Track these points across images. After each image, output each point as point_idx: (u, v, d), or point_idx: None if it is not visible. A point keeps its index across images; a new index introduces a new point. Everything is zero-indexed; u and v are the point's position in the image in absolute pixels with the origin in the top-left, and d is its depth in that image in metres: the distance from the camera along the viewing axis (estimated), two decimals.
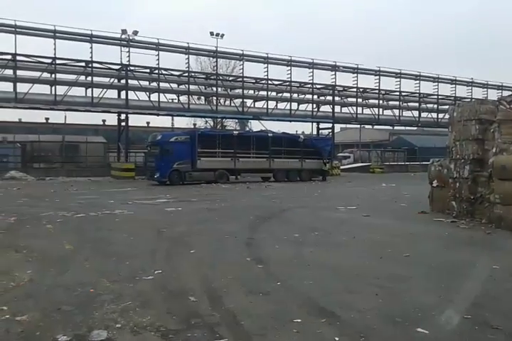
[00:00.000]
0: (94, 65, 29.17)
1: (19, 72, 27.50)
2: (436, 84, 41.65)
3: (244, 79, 34.36)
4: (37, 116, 60.61)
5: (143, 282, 5.37)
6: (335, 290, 5.10)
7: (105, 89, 29.80)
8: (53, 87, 28.21)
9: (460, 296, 4.80)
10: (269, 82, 34.80)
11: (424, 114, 42.58)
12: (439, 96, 42.11)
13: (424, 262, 6.49)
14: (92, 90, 29.13)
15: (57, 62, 28.04)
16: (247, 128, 43.81)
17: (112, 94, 30.72)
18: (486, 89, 44.32)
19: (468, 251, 7.44)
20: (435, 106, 42.31)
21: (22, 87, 27.38)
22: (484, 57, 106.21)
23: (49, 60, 27.88)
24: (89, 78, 29.22)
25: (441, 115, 40.94)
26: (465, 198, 10.73)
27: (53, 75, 28.19)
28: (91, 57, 28.68)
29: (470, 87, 43.56)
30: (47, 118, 44.45)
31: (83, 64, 28.99)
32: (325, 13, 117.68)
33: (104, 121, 44.63)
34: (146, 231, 9.10)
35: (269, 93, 35.23)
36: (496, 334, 3.83)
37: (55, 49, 27.52)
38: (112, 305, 4.52)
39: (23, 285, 5.23)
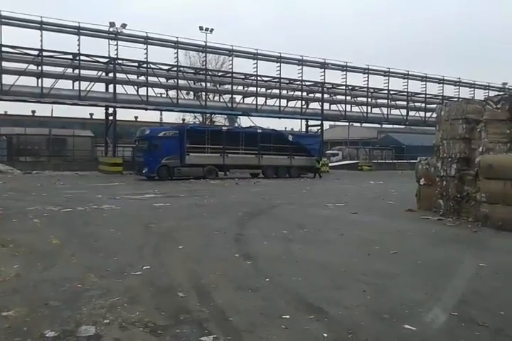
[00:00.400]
0: (82, 57, 28.90)
1: (4, 64, 27.08)
2: (424, 83, 42.01)
3: (234, 74, 34.32)
4: (23, 108, 59.85)
5: (131, 277, 5.34)
6: (323, 287, 5.12)
7: (93, 83, 29.56)
8: (40, 80, 27.89)
9: (447, 293, 4.85)
10: (259, 78, 34.77)
11: (412, 113, 42.94)
12: (427, 95, 42.45)
13: (411, 259, 6.55)
14: (79, 83, 28.85)
15: (44, 54, 27.75)
16: (236, 124, 43.76)
17: (100, 87, 30.53)
18: (472, 89, 44.82)
19: (455, 248, 7.52)
20: (423, 105, 42.66)
21: (7, 79, 27.09)
22: (471, 57, 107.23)
23: (36, 52, 27.56)
24: (76, 71, 28.92)
25: (428, 114, 41.32)
26: (452, 196, 10.85)
27: (40, 67, 27.86)
28: (78, 50, 28.42)
29: (457, 87, 44.00)
30: (33, 111, 43.98)
31: (70, 56, 28.70)
32: (315, 10, 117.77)
33: (91, 114, 44.35)
34: (134, 227, 9.05)
35: (259, 89, 35.21)
36: (482, 331, 3.88)
37: (41, 41, 27.28)
38: (100, 300, 4.48)
39: (9, 280, 5.16)
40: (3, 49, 26.72)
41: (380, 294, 4.88)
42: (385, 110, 41.31)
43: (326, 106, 38.80)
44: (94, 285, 5.00)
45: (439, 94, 42.77)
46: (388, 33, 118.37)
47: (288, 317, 4.10)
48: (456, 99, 35.52)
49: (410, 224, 9.96)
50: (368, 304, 4.52)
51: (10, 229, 8.55)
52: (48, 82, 27.95)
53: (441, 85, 42.97)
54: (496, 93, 35.88)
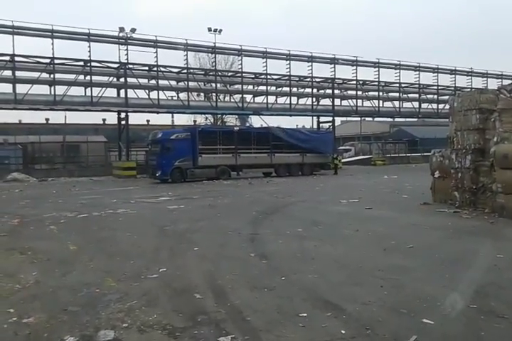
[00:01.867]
0: (93, 63, 29.08)
1: (18, 73, 27.41)
2: (435, 74, 41.47)
3: (243, 74, 34.30)
4: (37, 116, 60.58)
5: (148, 280, 5.38)
6: (340, 283, 5.11)
7: (104, 88, 29.76)
8: (52, 87, 28.16)
9: (465, 286, 4.80)
10: (268, 76, 34.70)
11: (424, 105, 42.43)
12: (439, 87, 41.92)
13: (428, 253, 6.50)
14: (91, 89, 29.07)
15: (56, 62, 27.97)
16: (248, 124, 43.75)
17: (111, 92, 30.70)
18: (485, 79, 44.11)
19: (472, 240, 7.44)
20: (435, 96, 42.14)
21: (21, 88, 27.37)
22: (483, 46, 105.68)
23: (47, 60, 27.82)
24: (88, 77, 29.13)
25: (441, 106, 40.85)
26: (467, 188, 10.72)
27: (52, 75, 28.12)
28: (89, 56, 28.61)
29: (470, 77, 43.35)
30: (47, 119, 44.43)
31: (82, 63, 28.92)
32: (324, 4, 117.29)
33: (104, 120, 44.67)
34: (149, 230, 9.12)
35: (269, 88, 35.14)
36: (502, 323, 3.84)
37: (53, 49, 27.48)
38: (118, 304, 4.53)
39: (28, 287, 5.24)
40: (16, 58, 27.06)
41: (397, 289, 4.86)
42: (396, 103, 40.94)
43: (337, 101, 38.55)
44: (111, 289, 5.06)
45: (452, 85, 42.23)
46: (398, 24, 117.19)
47: (305, 315, 4.11)
48: (469, 90, 35.06)
49: (426, 217, 9.88)
50: (385, 299, 4.49)
51: (28, 236, 8.68)
52: (60, 90, 28.27)
53: (453, 76, 42.42)
54: (510, 81, 35.30)
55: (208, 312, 4.25)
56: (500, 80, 43.29)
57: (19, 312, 4.33)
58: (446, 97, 35.58)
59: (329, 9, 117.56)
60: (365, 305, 4.33)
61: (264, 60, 34.37)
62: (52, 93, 28.05)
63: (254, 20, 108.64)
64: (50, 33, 27.74)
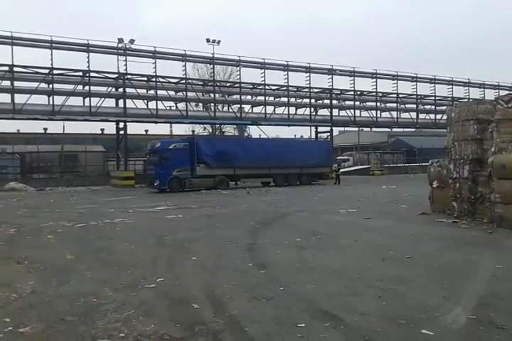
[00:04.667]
0: (92, 74, 29.21)
1: (16, 83, 27.51)
2: (433, 85, 41.76)
3: (242, 84, 34.49)
4: (35, 126, 60.71)
5: (145, 290, 5.35)
6: (338, 294, 5.08)
7: (103, 98, 29.84)
8: (51, 97, 28.23)
9: (464, 296, 4.79)
10: (267, 87, 34.88)
11: (422, 115, 42.62)
12: (437, 97, 42.16)
13: (427, 263, 6.48)
14: (89, 99, 29.16)
15: (55, 72, 28.10)
16: (246, 134, 43.86)
17: (110, 102, 30.82)
18: (482, 89, 44.44)
19: (471, 251, 7.42)
20: (433, 107, 42.35)
21: (20, 98, 27.45)
22: (480, 57, 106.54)
23: (46, 71, 27.95)
24: (86, 87, 29.24)
25: (439, 116, 41.01)
26: (465, 198, 10.73)
27: (51, 85, 28.23)
28: (88, 67, 28.74)
29: (467, 88, 43.66)
30: (45, 129, 44.44)
31: (80, 73, 29.04)
32: (324, 15, 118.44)
33: (102, 130, 44.72)
34: (147, 239, 9.08)
35: (267, 98, 35.28)
36: (502, 334, 3.81)
37: (52, 59, 27.65)
38: (115, 314, 4.50)
39: (25, 297, 5.20)
40: (15, 69, 27.15)
41: (396, 299, 4.83)
42: (394, 114, 41.13)
43: (335, 112, 38.75)
44: (109, 299, 5.02)
45: (449, 96, 42.50)
46: (395, 36, 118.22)
47: (303, 325, 4.08)
48: (466, 100, 35.27)
49: (424, 227, 9.86)
50: (384, 310, 4.47)
51: (25, 245, 8.64)
52: (58, 100, 28.35)
53: (450, 87, 42.72)
54: (507, 92, 35.54)
55: (205, 323, 4.22)
56: (497, 91, 43.60)
57: (15, 322, 4.30)
58: (444, 108, 35.62)
59: (328, 22, 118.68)
60: (363, 316, 4.30)
61: (263, 70, 34.56)
62: (51, 103, 28.12)
63: (253, 32, 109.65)
64: (49, 44, 27.89)
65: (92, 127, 65.40)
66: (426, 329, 3.91)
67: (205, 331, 4.02)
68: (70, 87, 29.02)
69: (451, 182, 11.25)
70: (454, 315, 4.24)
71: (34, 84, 27.93)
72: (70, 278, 6.00)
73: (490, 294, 4.87)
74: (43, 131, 44.34)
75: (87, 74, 28.97)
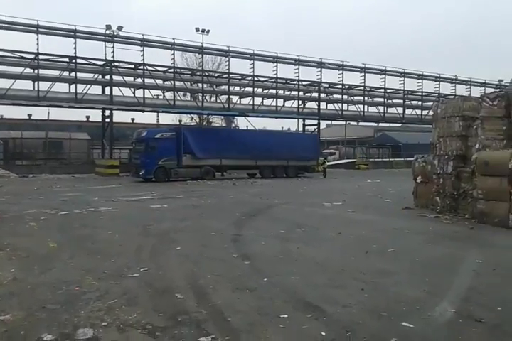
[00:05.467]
0: (78, 60, 28.77)
1: (1, 68, 27.05)
2: (420, 81, 42.00)
3: (230, 75, 34.26)
4: (19, 112, 59.69)
5: (129, 279, 5.33)
6: (321, 286, 5.12)
7: (89, 85, 29.44)
8: (36, 83, 27.77)
9: (444, 290, 4.86)
10: (255, 78, 34.74)
11: (408, 111, 42.90)
12: (424, 93, 42.43)
13: (409, 257, 6.56)
14: (75, 86, 28.75)
15: (40, 57, 27.60)
16: (233, 125, 43.74)
17: (96, 90, 30.42)
18: (469, 86, 44.83)
19: (452, 245, 7.53)
20: (419, 103, 42.65)
21: (3, 83, 26.99)
22: (467, 54, 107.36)
23: (32, 56, 27.44)
24: (72, 74, 28.80)
25: (425, 112, 41.30)
26: (448, 194, 10.87)
27: (36, 71, 27.74)
28: (75, 53, 28.29)
29: (454, 84, 44.01)
30: (29, 115, 43.77)
31: (67, 59, 28.59)
32: (314, 10, 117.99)
33: (88, 117, 44.18)
34: (131, 229, 9.04)
35: (255, 89, 35.17)
36: (480, 327, 3.89)
37: (37, 44, 27.15)
38: (98, 303, 4.48)
39: (6, 284, 5.15)
40: (0, 53, 26.64)
41: (378, 292, 4.89)
42: (381, 108, 41.35)
43: (323, 105, 38.82)
44: (91, 287, 5.00)
45: (436, 92, 42.80)
46: (386, 32, 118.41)
47: (286, 316, 4.11)
48: (452, 97, 35.54)
49: (407, 221, 9.97)
50: (365, 302, 4.52)
51: (7, 232, 8.53)
52: (44, 86, 27.90)
53: (437, 83, 43.02)
54: (492, 90, 35.91)
55: (188, 312, 4.22)
56: (483, 88, 44.10)
57: None
58: (430, 104, 35.71)
59: (318, 17, 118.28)
60: (345, 308, 4.35)
61: (252, 61, 34.40)
62: (36, 89, 27.66)
63: (243, 23, 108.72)
64: (35, 28, 27.36)
65: (78, 114, 64.67)
66: (406, 321, 3.96)
67: (188, 321, 4.02)
68: (56, 72, 28.59)
69: (435, 177, 11.37)
70: (434, 308, 4.31)
71: (19, 69, 27.38)
72: (53, 266, 5.95)
73: (469, 288, 4.95)
74: (27, 117, 43.69)
75: (74, 61, 28.52)
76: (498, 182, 9.05)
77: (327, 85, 38.65)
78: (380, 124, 48.23)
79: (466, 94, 40.16)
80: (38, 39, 27.18)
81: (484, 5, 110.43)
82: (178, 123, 43.82)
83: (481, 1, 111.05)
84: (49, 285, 5.05)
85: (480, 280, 5.31)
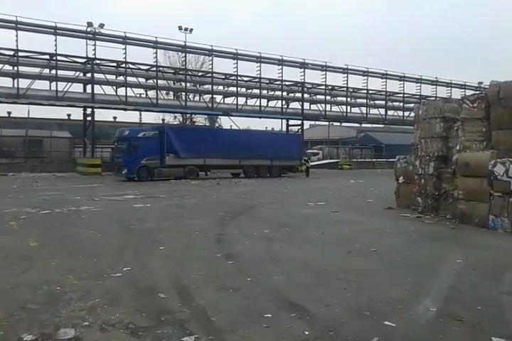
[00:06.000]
0: (59, 58, 28.46)
1: None
2: (402, 82, 42.55)
3: (214, 74, 34.23)
4: None
5: (111, 279, 5.28)
6: (304, 285, 5.14)
7: (70, 83, 29.13)
8: (16, 80, 27.37)
9: (426, 290, 4.92)
10: (239, 78, 34.76)
11: (390, 112, 43.46)
12: (405, 95, 43.00)
13: (391, 257, 6.62)
14: (56, 84, 28.43)
15: (20, 54, 27.24)
16: (217, 125, 43.65)
17: (78, 88, 30.12)
18: (449, 88, 45.56)
19: (434, 245, 7.62)
20: (401, 104, 43.21)
21: None
22: (448, 57, 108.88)
23: (11, 52, 27.04)
24: (53, 71, 28.48)
25: (407, 113, 41.85)
26: (430, 194, 11.01)
27: (15, 68, 27.34)
28: (55, 50, 27.99)
29: (434, 86, 44.69)
30: (9, 112, 43.07)
31: (47, 57, 28.25)
32: (299, 11, 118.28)
33: (69, 115, 43.63)
34: (113, 228, 8.96)
35: (239, 89, 35.19)
36: (460, 326, 3.94)
37: (17, 41, 26.80)
38: (80, 302, 4.42)
39: None
40: None
41: (361, 291, 4.92)
42: (364, 109, 41.78)
43: (306, 105, 39.01)
44: (73, 287, 4.93)
45: (417, 94, 43.41)
46: (366, 33, 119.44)
47: (270, 315, 4.11)
48: (433, 99, 36.04)
49: (389, 221, 10.07)
50: (348, 301, 4.55)
51: None
52: (24, 83, 27.53)
53: (418, 85, 43.65)
54: (473, 92, 36.45)
55: (172, 312, 4.20)
56: (463, 90, 44.82)
57: None
58: (412, 105, 36.45)
59: (304, 16, 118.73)
60: (329, 307, 4.37)
61: (235, 61, 34.40)
62: (15, 86, 27.23)
63: (227, 23, 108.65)
64: (14, 25, 26.96)
65: (59, 112, 63.79)
66: (388, 320, 4.00)
67: (172, 320, 4.00)
68: (36, 70, 28.21)
69: (417, 178, 11.51)
70: (415, 307, 4.36)
71: None
72: (33, 266, 5.86)
73: (450, 287, 5.01)
74: (7, 115, 42.96)
75: (54, 58, 28.21)
76: (478, 182, 9.20)
77: (310, 86, 38.87)
78: (363, 125, 48.75)
79: (446, 96, 40.77)
80: (17, 35, 26.87)
81: (463, 6, 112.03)
82: (161, 122, 43.59)
83: (460, 2, 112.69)
84: (29, 285, 4.97)
85: (461, 280, 5.38)
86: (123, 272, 5.56)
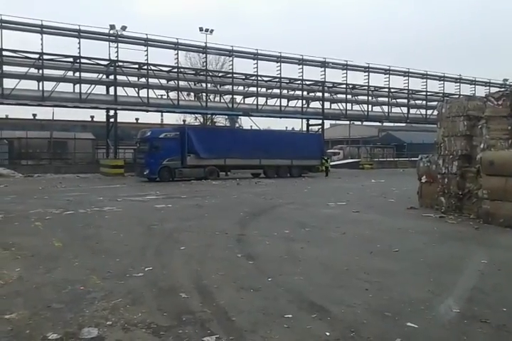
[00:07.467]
0: (83, 60, 28.85)
1: (5, 68, 27.08)
2: (424, 80, 41.87)
3: (234, 75, 34.25)
4: (24, 112, 59.94)
5: (133, 279, 5.34)
6: (325, 286, 5.12)
7: (93, 85, 29.50)
8: (41, 83, 27.86)
9: (449, 291, 4.85)
10: (259, 78, 34.70)
11: (412, 111, 42.75)
12: (428, 93, 42.30)
13: (413, 257, 6.55)
14: (80, 86, 28.80)
15: (45, 57, 27.69)
16: (237, 125, 43.76)
17: (101, 90, 30.47)
18: (473, 86, 44.64)
19: (457, 246, 7.51)
20: (424, 102, 42.51)
21: (9, 83, 27.07)
22: (472, 54, 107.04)
23: (36, 56, 27.52)
24: (77, 74, 28.88)
25: (429, 111, 41.19)
26: (453, 194, 10.83)
27: (40, 71, 27.84)
28: (79, 53, 28.36)
29: (458, 84, 43.83)
30: (34, 115, 44.02)
31: (71, 59, 28.67)
32: (321, 6, 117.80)
33: (92, 117, 44.46)
34: (135, 228, 9.06)
35: (259, 89, 35.12)
36: (485, 327, 3.88)
37: (42, 44, 27.22)
38: (103, 302, 4.49)
39: (11, 283, 5.18)
40: (4, 53, 26.72)
41: (382, 292, 4.88)
42: (385, 108, 41.18)
43: (327, 105, 38.74)
44: (96, 287, 5.01)
45: (440, 92, 42.64)
46: (390, 31, 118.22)
47: (290, 316, 4.11)
48: (457, 96, 35.43)
49: (412, 221, 9.95)
50: (370, 302, 4.51)
51: (12, 232, 8.57)
52: (48, 85, 27.98)
53: (441, 82, 42.83)
54: (497, 89, 35.75)
55: (193, 312, 4.23)
56: (487, 88, 43.89)
57: (1, 308, 4.28)
58: (435, 103, 35.92)
59: (326, 15, 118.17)
60: (350, 308, 4.35)
61: (255, 61, 34.38)
62: (41, 89, 27.75)
63: (247, 22, 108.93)
64: (39, 28, 27.45)
65: (82, 114, 64.86)
66: (411, 322, 3.96)
67: (193, 320, 4.03)
68: (60, 72, 28.65)
69: (440, 177, 11.34)
70: (438, 308, 4.30)
71: (24, 69, 27.47)
72: (58, 266, 5.97)
73: (475, 289, 4.93)
74: (32, 117, 43.89)
75: (78, 60, 28.60)
76: (503, 182, 9.01)
77: (331, 85, 38.56)
78: (385, 124, 48.17)
79: (470, 94, 40.09)
80: (42, 39, 27.28)
81: (488, 6, 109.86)
82: (182, 123, 43.91)
83: (486, 2, 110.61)
84: (54, 285, 5.07)
85: (485, 281, 5.29)
86: (145, 272, 5.62)
